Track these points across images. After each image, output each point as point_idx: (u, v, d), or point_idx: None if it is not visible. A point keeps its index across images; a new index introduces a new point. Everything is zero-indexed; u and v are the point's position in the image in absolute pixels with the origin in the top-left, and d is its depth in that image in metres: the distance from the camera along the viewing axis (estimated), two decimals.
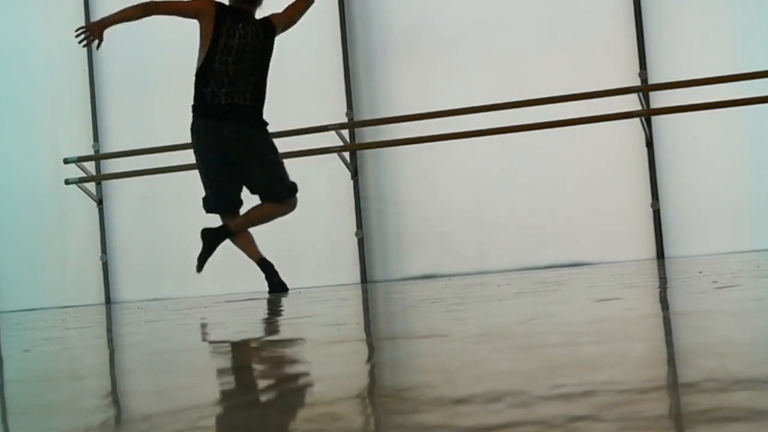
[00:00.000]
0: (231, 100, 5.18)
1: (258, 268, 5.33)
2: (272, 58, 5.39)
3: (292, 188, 5.35)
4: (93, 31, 5.22)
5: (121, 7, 5.32)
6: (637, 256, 6.46)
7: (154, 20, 7.55)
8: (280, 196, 5.30)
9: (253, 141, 5.25)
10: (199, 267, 5.42)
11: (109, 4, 7.70)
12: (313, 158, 6.91)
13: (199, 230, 5.43)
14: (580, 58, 6.70)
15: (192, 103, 5.25)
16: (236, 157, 5.22)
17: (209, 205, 5.46)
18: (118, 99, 7.69)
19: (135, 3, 5.28)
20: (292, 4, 5.51)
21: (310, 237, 7.03)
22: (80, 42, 5.27)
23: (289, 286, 5.35)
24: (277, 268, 5.33)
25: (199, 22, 5.23)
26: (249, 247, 5.40)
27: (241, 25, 5.24)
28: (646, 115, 6.41)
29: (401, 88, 7.02)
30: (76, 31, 5.32)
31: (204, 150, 5.26)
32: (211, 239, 5.38)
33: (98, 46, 5.28)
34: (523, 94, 6.50)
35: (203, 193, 5.45)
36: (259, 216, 5.36)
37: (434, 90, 6.91)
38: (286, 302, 4.12)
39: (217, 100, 5.17)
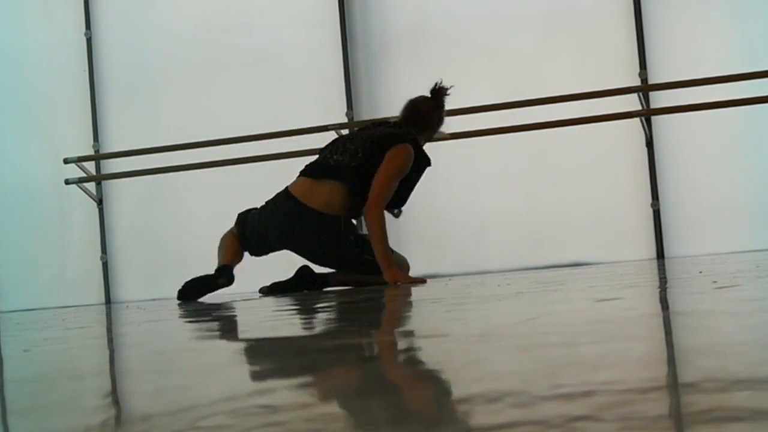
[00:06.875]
0: None
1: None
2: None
3: None
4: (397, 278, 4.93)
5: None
6: (637, 256, 6.46)
7: (153, 21, 7.56)
8: None
9: None
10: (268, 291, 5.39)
11: (110, 5, 7.71)
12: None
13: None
14: (580, 58, 6.70)
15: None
16: None
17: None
18: (118, 99, 7.70)
19: None
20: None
21: None
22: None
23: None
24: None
25: None
26: None
27: None
28: (646, 115, 6.41)
29: (401, 88, 7.02)
30: None
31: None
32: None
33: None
34: (523, 94, 6.50)
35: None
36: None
37: None
38: (286, 302, 4.12)
39: None
